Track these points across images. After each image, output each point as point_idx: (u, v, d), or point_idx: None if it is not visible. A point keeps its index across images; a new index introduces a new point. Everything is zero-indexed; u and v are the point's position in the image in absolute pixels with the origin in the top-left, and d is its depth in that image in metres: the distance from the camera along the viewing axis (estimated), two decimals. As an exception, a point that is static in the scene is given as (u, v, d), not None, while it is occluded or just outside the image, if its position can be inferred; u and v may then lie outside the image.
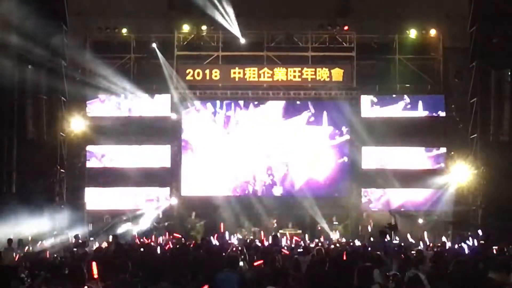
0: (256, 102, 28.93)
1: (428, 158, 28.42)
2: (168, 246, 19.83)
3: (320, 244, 20.85)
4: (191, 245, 17.94)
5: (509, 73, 27.24)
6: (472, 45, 27.54)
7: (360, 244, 21.08)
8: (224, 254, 14.06)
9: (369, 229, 26.49)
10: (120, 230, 26.52)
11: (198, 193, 28.67)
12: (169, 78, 28.80)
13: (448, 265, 11.58)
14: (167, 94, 28.51)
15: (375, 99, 28.51)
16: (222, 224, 25.07)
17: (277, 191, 28.70)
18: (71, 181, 28.60)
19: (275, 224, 27.28)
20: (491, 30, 27.24)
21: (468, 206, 27.66)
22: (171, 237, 24.60)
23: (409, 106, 28.42)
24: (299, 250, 17.38)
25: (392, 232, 22.15)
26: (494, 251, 17.56)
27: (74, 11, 27.97)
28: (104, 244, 20.96)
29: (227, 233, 24.01)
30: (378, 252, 14.42)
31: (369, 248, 17.12)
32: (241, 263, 12.20)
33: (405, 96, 28.60)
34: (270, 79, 28.69)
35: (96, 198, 28.28)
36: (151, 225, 27.22)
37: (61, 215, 27.08)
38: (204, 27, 28.84)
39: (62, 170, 27.83)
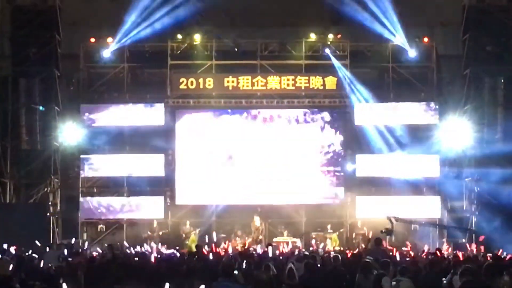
0: (249, 111, 28.90)
1: (422, 165, 28.37)
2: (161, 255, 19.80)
3: (314, 252, 20.84)
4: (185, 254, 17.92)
5: (502, 80, 27.37)
6: (465, 53, 27.67)
7: (355, 251, 21.06)
8: (218, 262, 14.00)
9: (364, 236, 26.47)
10: (115, 239, 26.45)
11: (193, 202, 28.63)
12: (162, 87, 28.83)
13: (443, 273, 11.58)
14: (161, 103, 28.48)
15: (368, 107, 28.53)
16: (214, 233, 25.05)
17: (271, 199, 28.62)
18: (66, 191, 28.56)
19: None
20: (484, 37, 27.39)
21: (462, 213, 27.70)
22: (165, 246, 24.59)
23: (402, 114, 28.42)
24: (293, 258, 17.33)
25: (388, 236, 22.34)
26: (489, 258, 17.57)
27: (67, 21, 28.01)
28: (99, 253, 20.90)
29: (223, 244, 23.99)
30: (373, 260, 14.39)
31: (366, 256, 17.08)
32: (235, 272, 12.16)
33: (399, 104, 28.62)
34: (264, 88, 28.67)
35: (91, 208, 28.19)
36: (145, 234, 27.15)
37: (55, 224, 27.06)
38: (197, 36, 28.82)
39: (56, 180, 27.81)
